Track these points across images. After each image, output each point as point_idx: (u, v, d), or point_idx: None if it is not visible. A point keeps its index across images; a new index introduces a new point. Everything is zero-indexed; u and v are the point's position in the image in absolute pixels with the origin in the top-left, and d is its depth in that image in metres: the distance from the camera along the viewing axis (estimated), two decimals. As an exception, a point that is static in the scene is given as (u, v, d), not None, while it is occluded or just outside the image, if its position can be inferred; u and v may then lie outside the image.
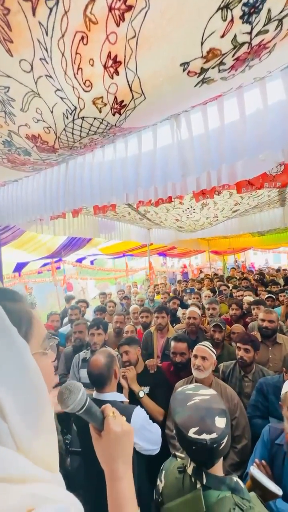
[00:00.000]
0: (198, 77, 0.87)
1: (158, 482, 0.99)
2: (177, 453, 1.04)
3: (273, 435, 1.42)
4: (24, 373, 0.43)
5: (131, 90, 0.82)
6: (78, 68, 0.77)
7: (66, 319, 4.26)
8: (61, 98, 0.87)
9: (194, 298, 4.60)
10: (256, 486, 1.07)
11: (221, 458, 0.89)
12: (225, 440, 0.83)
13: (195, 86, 0.93)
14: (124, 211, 3.33)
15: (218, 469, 0.87)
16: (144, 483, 1.38)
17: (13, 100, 0.94)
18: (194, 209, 3.17)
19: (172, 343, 2.33)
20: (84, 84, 0.81)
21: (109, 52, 0.72)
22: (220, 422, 0.84)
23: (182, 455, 1.01)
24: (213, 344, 2.75)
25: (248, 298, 3.92)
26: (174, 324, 3.71)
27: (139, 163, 1.62)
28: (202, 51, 0.77)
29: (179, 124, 1.48)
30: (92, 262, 10.32)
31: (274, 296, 4.25)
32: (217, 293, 4.90)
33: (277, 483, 1.14)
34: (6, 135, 1.16)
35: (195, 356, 1.85)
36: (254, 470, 1.11)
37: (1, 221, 2.61)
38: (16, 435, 0.40)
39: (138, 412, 1.32)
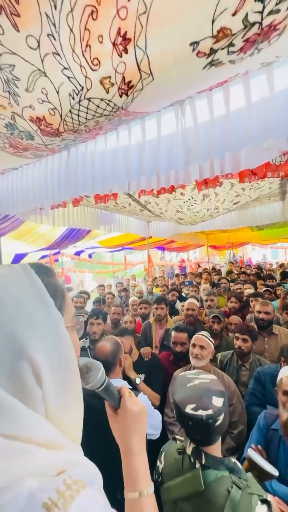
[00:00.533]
0: (207, 58, 0.86)
1: (158, 463, 1.03)
2: (176, 436, 1.08)
3: (268, 421, 1.46)
4: (59, 344, 0.45)
5: (139, 69, 0.81)
6: (87, 45, 0.75)
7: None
8: (68, 77, 0.85)
9: (192, 291, 4.64)
10: (253, 467, 1.10)
11: (219, 440, 0.92)
12: (220, 418, 0.85)
13: (203, 68, 0.92)
14: (125, 202, 3.31)
15: (216, 450, 0.90)
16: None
17: (18, 79, 0.92)
18: (195, 200, 3.16)
19: (173, 333, 2.36)
20: (92, 62, 0.79)
21: (119, 29, 0.71)
22: (217, 401, 0.87)
23: (182, 438, 1.05)
24: (211, 334, 2.80)
25: (249, 290, 3.97)
26: (173, 316, 3.75)
27: (143, 151, 1.61)
28: (212, 30, 0.76)
29: (184, 111, 1.47)
30: (90, 256, 10.31)
31: (271, 290, 4.32)
32: (215, 286, 4.94)
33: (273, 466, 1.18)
34: (10, 117, 1.14)
35: (194, 345, 1.89)
36: (251, 452, 1.15)
37: (0, 210, 2.59)
38: (48, 402, 0.42)
39: (142, 398, 1.36)
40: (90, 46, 0.75)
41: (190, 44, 0.78)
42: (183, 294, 4.77)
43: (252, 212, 4.44)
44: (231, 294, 3.83)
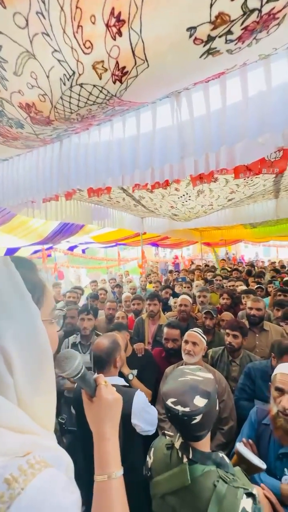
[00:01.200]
0: (204, 46, 0.83)
1: (148, 458, 1.03)
2: (166, 432, 1.08)
3: (260, 416, 1.48)
4: (34, 335, 0.47)
5: (134, 55, 0.77)
6: (78, 26, 0.71)
7: (58, 305, 4.25)
8: (59, 60, 0.81)
9: (185, 287, 4.65)
10: (242, 461, 1.12)
11: (207, 436, 0.92)
12: (198, 418, 0.85)
13: (200, 56, 0.89)
14: (119, 197, 3.26)
15: (205, 446, 0.91)
16: (141, 462, 1.43)
17: (6, 61, 0.87)
18: (189, 196, 3.14)
19: (165, 329, 2.36)
20: (84, 45, 0.75)
21: (113, 8, 0.67)
22: (199, 401, 0.86)
23: (171, 433, 1.06)
24: (204, 330, 2.81)
25: (241, 287, 4.00)
26: (165, 313, 3.75)
27: (137, 144, 1.57)
28: (210, 15, 0.72)
29: (180, 104, 1.44)
30: (83, 251, 10.21)
31: (263, 286, 4.37)
32: (208, 283, 4.96)
33: (262, 460, 1.20)
34: (-3, 103, 1.09)
35: (186, 342, 1.89)
36: (240, 447, 1.17)
37: (-10, 201, 2.51)
38: (19, 390, 0.45)
39: (139, 395, 1.35)
40: (82, 26, 0.71)
41: (187, 30, 0.75)
42: (176, 291, 4.78)
43: (246, 210, 4.46)
44: (224, 291, 3.86)
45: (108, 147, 1.70)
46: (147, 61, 0.80)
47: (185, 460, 0.88)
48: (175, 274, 6.88)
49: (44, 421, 0.49)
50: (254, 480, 1.24)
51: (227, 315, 3.09)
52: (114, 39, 0.74)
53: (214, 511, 0.78)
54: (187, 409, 0.85)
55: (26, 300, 0.47)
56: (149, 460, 1.02)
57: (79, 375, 0.61)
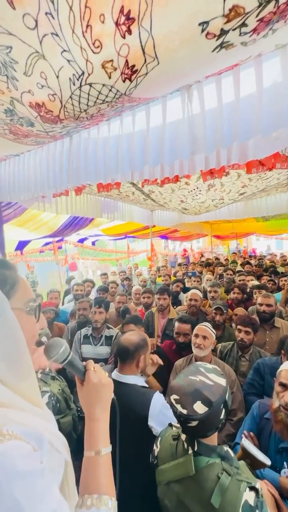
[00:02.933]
0: (217, 40, 0.80)
1: (154, 447, 1.07)
2: (173, 423, 1.11)
3: (262, 410, 1.49)
4: (2, 321, 0.51)
5: (144, 52, 0.76)
6: (87, 25, 0.70)
7: (67, 298, 4.34)
8: (68, 60, 0.80)
9: (195, 281, 4.63)
10: (246, 456, 1.13)
11: (213, 434, 0.93)
12: (194, 423, 0.86)
13: (212, 51, 0.86)
14: (128, 191, 3.25)
15: (210, 440, 0.92)
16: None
17: (16, 62, 0.87)
18: (200, 190, 3.08)
19: (176, 324, 2.39)
20: (93, 44, 0.74)
21: (122, 7, 0.65)
22: (199, 408, 0.86)
23: (177, 425, 1.07)
24: (214, 326, 2.82)
25: (252, 282, 3.94)
26: (175, 306, 3.76)
27: (147, 139, 1.55)
28: (224, 8, 0.69)
29: (191, 97, 1.40)
30: (93, 243, 10.30)
31: (275, 280, 4.30)
32: (218, 277, 4.92)
33: (263, 453, 1.21)
34: (8, 102, 1.09)
35: (196, 336, 1.91)
36: (245, 442, 1.18)
37: (1, 197, 2.56)
38: (1, 375, 0.49)
39: (157, 397, 1.34)
40: (91, 26, 0.70)
41: (199, 24, 0.72)
42: (186, 285, 4.77)
43: (258, 203, 4.34)
44: (235, 285, 3.82)
45: (117, 142, 1.69)
46: (157, 58, 0.78)
47: (190, 451, 0.90)
48: (183, 267, 6.84)
49: (32, 399, 0.53)
50: (256, 475, 1.26)
51: (240, 310, 3.07)
52: (124, 38, 0.72)
53: (217, 502, 0.80)
54: (184, 411, 0.86)
55: None
56: (156, 449, 1.06)
57: (66, 361, 0.65)
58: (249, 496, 0.80)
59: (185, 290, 4.39)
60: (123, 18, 0.67)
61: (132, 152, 1.63)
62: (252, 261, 7.45)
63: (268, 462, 1.12)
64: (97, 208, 4.15)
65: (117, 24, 0.69)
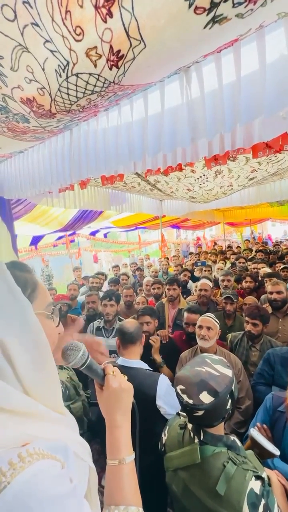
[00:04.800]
0: (207, 14, 0.74)
1: (163, 435, 1.10)
2: (180, 412, 1.12)
3: (276, 403, 1.46)
4: (27, 326, 0.49)
5: (128, 36, 0.71)
6: (66, 12, 0.67)
7: (81, 290, 4.43)
8: (51, 51, 0.77)
9: (205, 271, 4.57)
10: (255, 445, 1.13)
11: (220, 424, 0.94)
12: (200, 412, 0.86)
13: (204, 27, 0.80)
14: (134, 182, 3.20)
15: (216, 430, 0.93)
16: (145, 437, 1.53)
17: (1, 57, 0.85)
18: (207, 178, 2.98)
19: (185, 314, 2.39)
20: (75, 31, 0.71)
21: (99, -13, 0.61)
22: (205, 397, 0.86)
23: (185, 414, 1.08)
24: (225, 315, 2.79)
25: (265, 270, 3.83)
26: (185, 296, 3.75)
27: (145, 128, 1.50)
28: (211, -22, 0.64)
29: (189, 80, 1.32)
30: (105, 235, 10.37)
31: (288, 268, 4.15)
32: (230, 265, 4.82)
33: (277, 446, 1.20)
34: (1, 99, 1.09)
35: (200, 327, 1.91)
36: (253, 432, 1.18)
37: (9, 194, 2.60)
38: (23, 379, 0.47)
39: (163, 378, 1.41)
40: (70, 12, 0.66)
41: (185, -1, 0.67)
42: (195, 275, 4.72)
43: (271, 187, 4.14)
44: (246, 274, 3.73)
45: (116, 132, 1.65)
46: (143, 41, 0.74)
47: (196, 440, 0.92)
48: (195, 257, 6.75)
49: (53, 404, 0.51)
50: (267, 465, 1.26)
51: (250, 299, 3.01)
52: (105, 22, 0.68)
53: (222, 489, 0.82)
54: (190, 401, 0.87)
55: (16, 294, 0.49)
56: (164, 437, 1.09)
57: (85, 365, 0.63)
58: (255, 485, 0.81)
59: (193, 279, 4.35)
60: (102, 1, 0.63)
61: (131, 142, 1.59)
62: (269, 248, 7.22)
63: (277, 452, 1.11)
64: (105, 201, 4.13)
65: (96, 7, 0.65)
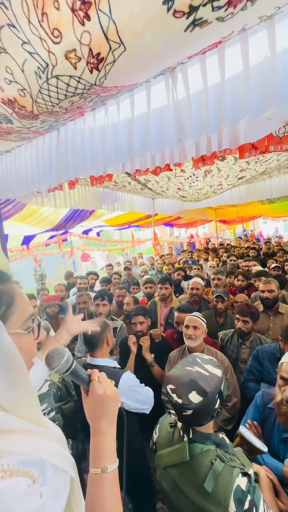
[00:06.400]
0: (187, 18, 0.74)
1: (154, 433, 1.12)
2: (171, 411, 1.14)
3: (266, 400, 1.49)
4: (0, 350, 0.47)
5: (107, 39, 0.71)
6: (43, 14, 0.66)
7: (72, 291, 4.40)
8: (30, 53, 0.76)
9: (195, 269, 4.60)
10: (244, 443, 1.16)
11: (209, 422, 0.95)
12: (189, 412, 0.88)
13: (185, 30, 0.79)
14: (124, 181, 3.19)
15: (205, 428, 0.95)
16: (135, 438, 1.54)
17: (-20, 58, 0.83)
18: (196, 177, 2.99)
19: (176, 314, 2.40)
20: (52, 34, 0.69)
21: (75, -10, 0.60)
22: (194, 397, 0.88)
23: (174, 412, 1.10)
24: (216, 313, 2.82)
25: (256, 268, 3.88)
26: (178, 295, 3.77)
27: (132, 128, 1.49)
28: (188, -18, 0.63)
29: (175, 80, 1.32)
30: (98, 234, 10.31)
31: (280, 266, 4.21)
32: (221, 263, 4.86)
33: (266, 443, 1.23)
34: (-18, 100, 1.06)
35: (187, 327, 1.92)
36: (242, 429, 1.20)
37: (-2, 195, 2.55)
38: None
39: (126, 376, 1.45)
40: (46, 14, 0.65)
41: (164, 3, 0.66)
42: (187, 273, 4.74)
43: (261, 185, 4.19)
44: (238, 272, 3.77)
45: (103, 132, 1.63)
46: (123, 44, 0.73)
47: (185, 438, 0.94)
48: (188, 255, 6.79)
49: (33, 419, 0.51)
50: (257, 461, 1.29)
51: (241, 297, 3.05)
52: (83, 24, 0.67)
53: (209, 486, 0.83)
54: (179, 401, 0.88)
55: None
56: (155, 435, 1.10)
57: (69, 371, 0.62)
58: (241, 482, 0.83)
59: (187, 278, 4.38)
60: (78, 3, 0.62)
61: (118, 142, 1.58)
62: (260, 245, 7.31)
63: (265, 449, 1.14)
64: (96, 200, 4.10)
65: (73, 10, 0.64)
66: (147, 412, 1.52)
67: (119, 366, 1.56)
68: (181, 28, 0.77)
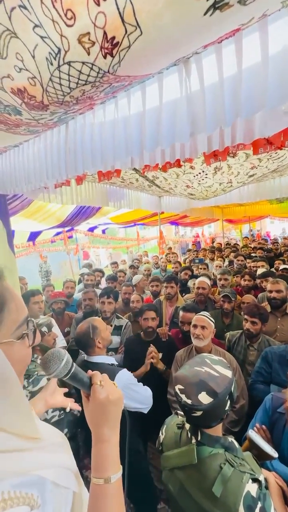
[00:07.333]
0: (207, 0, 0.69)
1: (160, 434, 1.10)
2: (178, 412, 1.12)
3: (275, 404, 1.45)
4: None
5: (123, 21, 0.67)
6: (56, -7, 0.62)
7: (78, 287, 4.39)
8: (41, 37, 0.73)
9: (201, 268, 4.55)
10: (253, 447, 1.12)
11: (218, 425, 0.93)
12: (198, 413, 0.85)
13: (204, 14, 0.75)
14: (132, 178, 3.15)
15: (214, 430, 0.92)
16: (135, 439, 1.54)
17: (-11, 43, 0.80)
18: (206, 174, 2.93)
19: (181, 313, 2.37)
20: (66, 15, 0.66)
21: None
22: (204, 398, 0.85)
23: (182, 413, 1.08)
24: (222, 313, 2.78)
25: (261, 269, 3.82)
26: (184, 294, 3.73)
27: (143, 122, 1.45)
28: None
29: (189, 71, 1.28)
30: (103, 231, 10.31)
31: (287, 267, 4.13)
32: (228, 263, 4.80)
33: (276, 448, 1.19)
34: (-9, 90, 1.03)
35: (195, 326, 1.89)
36: (252, 433, 1.17)
37: (4, 189, 2.55)
38: None
39: (121, 374, 1.43)
40: (60, -7, 0.62)
41: (184, -19, 0.62)
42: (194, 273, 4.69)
43: (271, 184, 4.10)
44: (245, 272, 3.71)
45: (113, 126, 1.60)
46: (139, 27, 0.69)
47: (193, 441, 0.91)
48: (193, 254, 6.73)
49: (25, 432, 0.47)
50: (266, 466, 1.25)
51: (248, 298, 2.99)
52: (98, 5, 0.63)
53: (218, 491, 0.81)
54: (189, 401, 0.86)
55: None
56: (161, 436, 1.08)
57: (69, 375, 0.57)
58: (251, 488, 0.80)
59: (193, 277, 4.33)
60: (94, -19, 0.59)
61: (128, 136, 1.54)
62: (267, 245, 7.21)
63: (275, 454, 1.10)
64: (103, 197, 4.07)
65: (88, -12, 0.60)
66: (145, 411, 1.49)
67: (117, 363, 1.53)
68: (201, 11, 0.72)
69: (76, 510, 0.53)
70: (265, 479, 1.04)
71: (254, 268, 4.23)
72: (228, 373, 0.92)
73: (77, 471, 0.55)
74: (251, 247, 6.99)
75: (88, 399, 0.61)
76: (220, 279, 3.55)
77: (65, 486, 0.49)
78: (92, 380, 0.61)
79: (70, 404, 0.98)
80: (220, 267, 4.50)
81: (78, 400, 0.89)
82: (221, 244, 8.86)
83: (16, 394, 0.45)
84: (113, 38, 0.71)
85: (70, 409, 0.97)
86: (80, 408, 0.92)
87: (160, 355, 2.11)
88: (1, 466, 0.40)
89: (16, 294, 0.50)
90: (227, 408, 0.89)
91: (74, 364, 0.59)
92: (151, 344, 2.08)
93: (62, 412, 1.59)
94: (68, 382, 0.59)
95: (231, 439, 0.93)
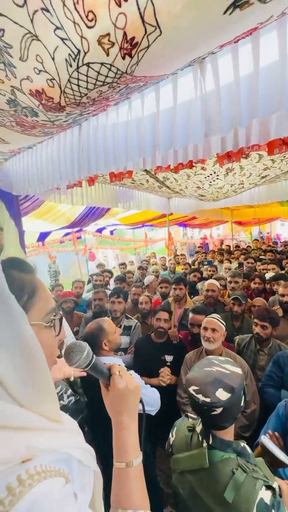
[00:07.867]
0: (228, -2, 0.69)
1: (170, 436, 1.09)
2: (189, 414, 1.11)
3: None
4: (19, 339, 0.44)
5: (143, 21, 0.67)
6: (78, -5, 0.63)
7: (87, 287, 4.42)
8: (62, 39, 0.74)
9: (210, 270, 4.50)
10: (266, 453, 1.10)
11: (230, 427, 0.91)
12: (218, 410, 0.84)
13: (224, 13, 0.74)
14: (142, 179, 3.15)
15: (226, 434, 0.91)
16: (142, 441, 1.53)
17: (10, 46, 0.82)
18: (217, 175, 2.90)
19: (190, 315, 2.35)
20: (87, 17, 0.67)
21: None
22: (222, 394, 0.85)
23: (194, 416, 1.09)
24: (232, 316, 2.74)
25: (271, 272, 3.75)
26: (192, 296, 3.70)
27: (157, 123, 1.45)
28: None
29: (204, 72, 1.27)
30: (112, 232, 10.36)
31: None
32: (238, 265, 4.74)
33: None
34: (9, 92, 1.05)
35: (205, 328, 1.87)
36: (265, 439, 1.15)
37: (18, 190, 2.59)
38: (16, 395, 0.44)
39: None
40: (82, -5, 0.62)
41: (206, -20, 0.62)
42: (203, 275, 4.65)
43: (283, 186, 4.03)
44: (255, 275, 3.66)
45: (126, 128, 1.60)
46: (159, 27, 0.69)
47: (204, 444, 0.90)
48: (202, 256, 6.68)
49: (51, 415, 0.49)
50: (278, 474, 1.22)
51: (259, 301, 2.94)
52: (119, 6, 0.64)
53: (230, 497, 0.79)
54: (207, 400, 0.85)
55: (8, 303, 0.44)
56: (171, 438, 1.07)
57: (89, 366, 0.61)
58: (265, 495, 0.78)
59: (202, 279, 4.30)
60: (116, -18, 0.59)
61: (142, 138, 1.55)
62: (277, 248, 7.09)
63: None
64: (112, 198, 4.10)
65: (110, -11, 0.61)
66: (153, 414, 1.49)
67: (125, 364, 1.53)
68: (220, 10, 0.72)
69: (97, 488, 0.56)
70: (279, 487, 1.02)
71: (264, 271, 4.17)
72: (238, 370, 0.93)
73: (94, 454, 0.57)
74: (262, 249, 6.88)
75: (108, 389, 0.64)
76: (230, 282, 3.50)
77: (87, 464, 0.51)
78: (111, 370, 0.64)
79: (73, 373, 1.06)
80: (229, 269, 4.45)
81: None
82: (229, 246, 8.76)
83: (46, 378, 0.48)
84: (133, 38, 0.71)
85: (79, 397, 1.01)
86: (84, 374, 1.02)
87: (171, 357, 2.09)
88: (37, 443, 0.42)
89: (46, 287, 0.53)
90: (242, 404, 0.89)
91: (95, 356, 0.62)
92: (165, 367, 2.04)
93: (78, 397, 1.64)
94: (89, 372, 0.62)
95: (243, 444, 0.91)
